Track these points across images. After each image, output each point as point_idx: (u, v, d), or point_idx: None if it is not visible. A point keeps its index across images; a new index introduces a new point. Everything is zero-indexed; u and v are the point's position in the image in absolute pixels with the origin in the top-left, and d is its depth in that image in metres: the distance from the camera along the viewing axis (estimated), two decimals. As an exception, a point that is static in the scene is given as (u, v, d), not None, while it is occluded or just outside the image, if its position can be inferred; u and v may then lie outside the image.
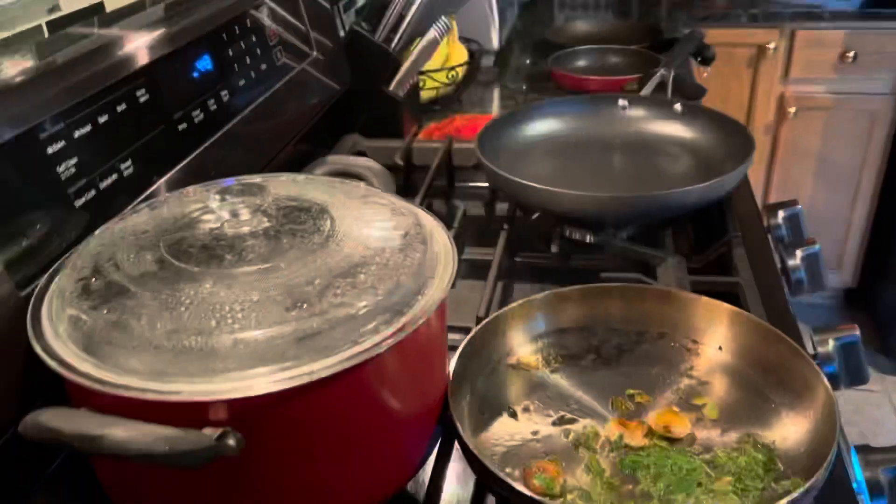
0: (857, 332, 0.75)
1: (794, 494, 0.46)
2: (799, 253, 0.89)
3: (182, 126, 0.74)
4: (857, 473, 0.62)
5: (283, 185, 0.59)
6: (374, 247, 0.52)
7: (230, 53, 0.84)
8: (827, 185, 2.17)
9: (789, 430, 0.55)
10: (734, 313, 0.63)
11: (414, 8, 1.14)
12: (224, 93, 0.81)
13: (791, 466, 0.53)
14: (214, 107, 0.79)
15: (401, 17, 1.15)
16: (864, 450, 0.62)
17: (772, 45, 2.00)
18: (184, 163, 0.73)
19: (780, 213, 0.98)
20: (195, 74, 0.77)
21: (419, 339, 0.51)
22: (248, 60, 0.87)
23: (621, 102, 1.06)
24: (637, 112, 1.06)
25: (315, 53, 1.04)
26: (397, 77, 1.15)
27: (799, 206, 0.98)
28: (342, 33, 1.17)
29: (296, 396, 0.44)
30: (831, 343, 0.75)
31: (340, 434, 0.48)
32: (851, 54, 1.98)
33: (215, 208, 0.54)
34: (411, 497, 0.58)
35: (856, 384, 0.76)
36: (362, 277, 0.48)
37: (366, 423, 0.49)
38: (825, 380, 0.54)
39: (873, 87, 2.02)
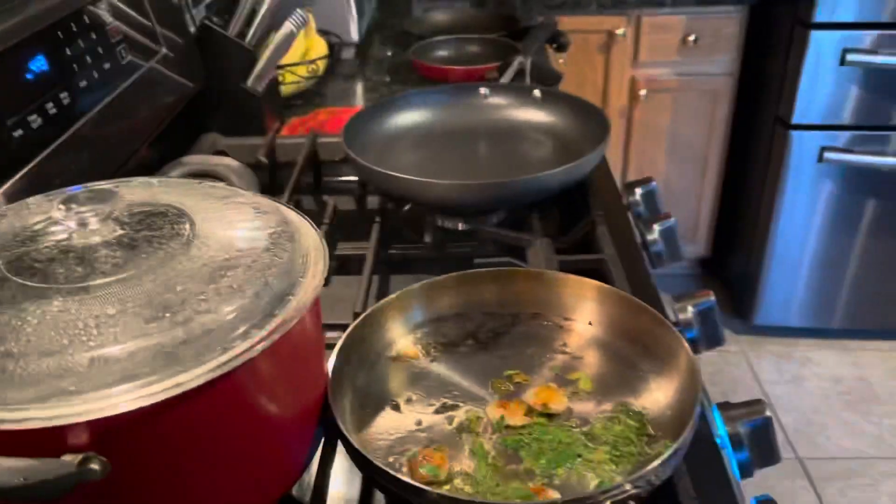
0: (713, 298, 0.80)
1: (664, 456, 0.48)
2: (656, 227, 0.94)
3: (17, 133, 0.68)
4: (721, 429, 0.66)
5: (136, 190, 0.56)
6: (239, 248, 0.50)
7: (67, 52, 0.78)
8: (678, 162, 2.31)
9: (658, 396, 0.58)
10: (601, 289, 0.65)
11: (267, 1, 1.10)
12: (64, 95, 0.76)
13: (661, 430, 0.56)
14: (54, 111, 0.74)
15: (254, 11, 1.11)
16: (724, 407, 0.67)
17: (620, 31, 2.10)
18: (22, 172, 0.68)
19: (638, 191, 1.02)
20: (28, 76, 0.71)
21: (293, 341, 0.49)
22: (88, 59, 0.81)
23: (483, 91, 1.08)
24: (498, 100, 1.08)
25: (164, 50, 0.99)
26: (255, 72, 1.12)
27: (654, 183, 1.04)
28: (193, 29, 1.12)
29: (163, 412, 0.41)
30: (690, 309, 0.79)
31: (216, 446, 0.46)
32: (692, 38, 2.11)
33: (61, 219, 0.50)
34: (297, 501, 0.56)
35: (714, 346, 0.81)
36: (227, 281, 0.46)
37: (243, 431, 0.47)
38: (686, 345, 0.57)
39: (713, 68, 2.16)
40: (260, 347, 0.44)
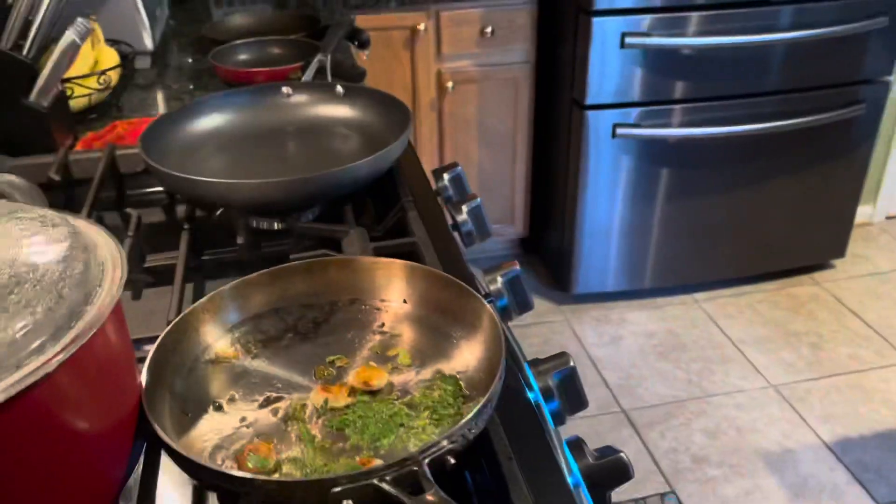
0: (518, 267, 0.87)
1: (474, 410, 0.52)
2: (464, 208, 0.99)
3: None
4: (534, 384, 0.71)
5: None
6: (27, 263, 0.47)
7: None
8: (490, 149, 2.42)
9: (469, 359, 0.62)
10: (408, 267, 0.68)
11: (42, 11, 1.04)
12: None
13: (475, 389, 0.60)
14: None
15: (28, 22, 1.04)
16: (534, 363, 0.72)
17: (422, 27, 2.17)
18: None
19: (445, 176, 1.07)
20: None
21: (95, 352, 0.48)
22: None
23: (285, 90, 1.08)
24: (301, 98, 1.08)
25: (-75, 68, 0.91)
26: (37, 86, 1.05)
27: (460, 167, 1.09)
28: (-41, 44, 1.03)
29: (-47, 440, 0.39)
30: (499, 280, 0.85)
31: (22, 468, 0.44)
32: (489, 30, 2.21)
33: None
34: (122, 518, 0.55)
35: (525, 311, 0.88)
36: (14, 298, 0.44)
37: (49, 450, 0.45)
38: (489, 308, 0.61)
39: (511, 57, 2.28)
40: (57, 361, 0.43)
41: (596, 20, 2.06)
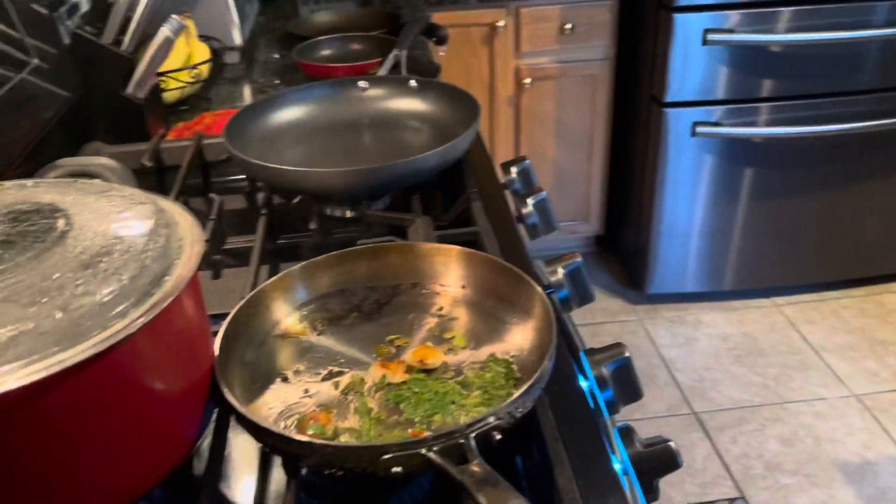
0: (580, 259, 0.88)
1: (523, 388, 0.54)
2: (530, 200, 1.01)
3: None
4: (589, 372, 0.73)
5: (10, 192, 0.58)
6: (116, 237, 0.53)
7: (-68, 66, 0.78)
8: (566, 145, 2.41)
9: (522, 343, 0.64)
10: (466, 254, 0.71)
11: (140, 8, 1.11)
12: (-69, 108, 0.76)
13: (526, 371, 0.62)
14: (-78, 124, 0.74)
15: (128, 19, 1.12)
16: (590, 352, 0.73)
17: (501, 23, 2.19)
18: None
19: (513, 169, 1.10)
20: None
21: (173, 318, 0.52)
22: (-45, 72, 0.81)
23: (361, 84, 1.12)
24: (377, 91, 1.12)
25: (35, 62, 0.99)
26: (134, 79, 1.13)
27: (527, 161, 1.11)
28: (67, 40, 1.12)
29: (48, 389, 0.44)
30: (560, 271, 0.87)
31: (103, 421, 0.48)
32: (569, 26, 2.21)
33: (-67, 222, 0.51)
34: (191, 476, 0.60)
35: (585, 303, 0.89)
36: (104, 266, 0.49)
37: (127, 407, 0.50)
38: (542, 294, 0.63)
39: (591, 54, 2.27)
40: (139, 323, 0.47)
41: (677, 16, 2.03)
